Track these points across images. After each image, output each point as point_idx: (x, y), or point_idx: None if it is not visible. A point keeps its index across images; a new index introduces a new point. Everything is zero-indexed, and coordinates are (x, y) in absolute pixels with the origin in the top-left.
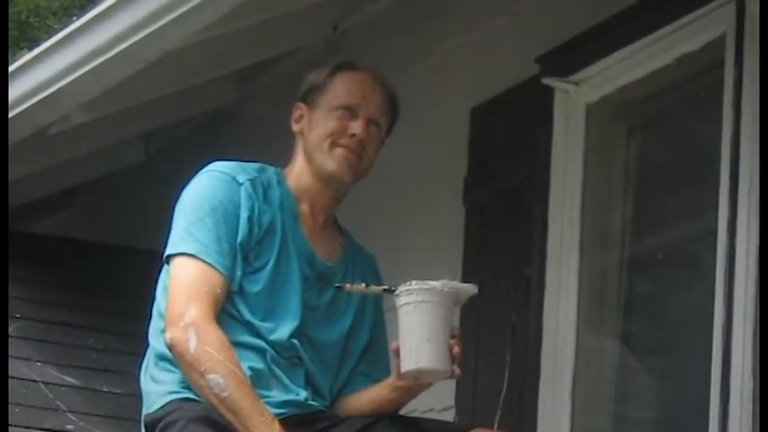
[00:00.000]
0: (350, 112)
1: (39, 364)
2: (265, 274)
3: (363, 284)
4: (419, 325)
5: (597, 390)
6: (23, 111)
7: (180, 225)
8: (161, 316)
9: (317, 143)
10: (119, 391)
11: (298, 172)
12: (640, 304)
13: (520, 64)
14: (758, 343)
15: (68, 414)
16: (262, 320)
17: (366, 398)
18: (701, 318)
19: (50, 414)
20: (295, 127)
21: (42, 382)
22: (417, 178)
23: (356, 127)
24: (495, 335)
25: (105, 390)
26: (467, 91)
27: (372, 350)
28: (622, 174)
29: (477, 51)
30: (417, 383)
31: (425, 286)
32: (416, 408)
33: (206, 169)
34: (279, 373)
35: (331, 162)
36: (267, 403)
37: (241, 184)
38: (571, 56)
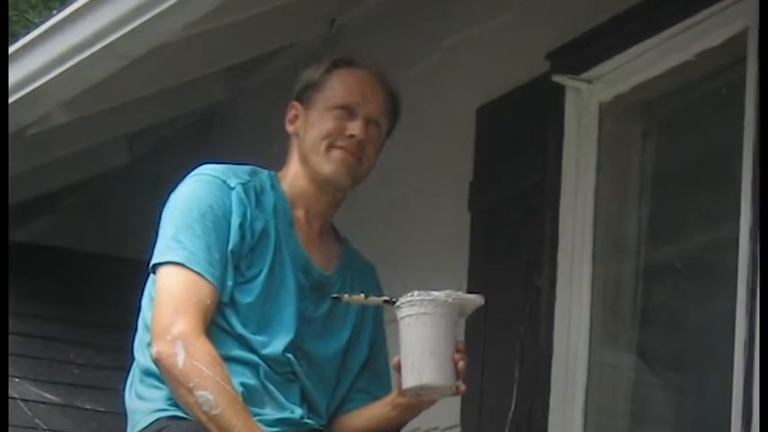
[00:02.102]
0: (348, 111)
1: (17, 380)
2: (258, 284)
3: (362, 295)
4: (421, 338)
5: (611, 407)
6: None
7: (167, 232)
8: (147, 329)
9: (313, 145)
10: (102, 409)
11: (293, 175)
12: (657, 316)
13: (528, 60)
14: None
15: None
16: (254, 333)
17: (365, 416)
18: (721, 331)
19: None
20: (290, 128)
21: (21, 400)
22: (420, 182)
23: (355, 127)
24: (503, 349)
25: (88, 407)
26: (472, 89)
27: (372, 365)
28: (638, 177)
29: (483, 47)
30: (420, 400)
31: (428, 297)
32: (419, 426)
33: (195, 173)
34: (272, 389)
35: (328, 165)
36: (260, 421)
37: (232, 189)
38: (583, 52)
